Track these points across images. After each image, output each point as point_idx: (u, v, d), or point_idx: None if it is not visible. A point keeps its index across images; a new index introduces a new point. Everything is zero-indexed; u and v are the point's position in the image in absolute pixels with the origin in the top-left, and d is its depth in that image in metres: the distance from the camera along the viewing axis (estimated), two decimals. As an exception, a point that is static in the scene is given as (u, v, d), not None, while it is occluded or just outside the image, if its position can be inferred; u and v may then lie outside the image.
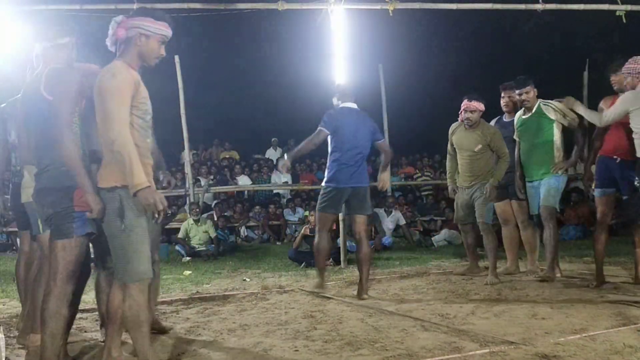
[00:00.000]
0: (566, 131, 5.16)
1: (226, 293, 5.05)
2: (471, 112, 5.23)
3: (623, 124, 4.58)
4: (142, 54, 2.75)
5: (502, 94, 5.56)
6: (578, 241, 8.37)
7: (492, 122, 5.66)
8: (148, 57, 2.77)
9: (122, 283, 2.64)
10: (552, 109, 5.02)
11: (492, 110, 6.05)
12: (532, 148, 5.11)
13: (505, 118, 5.62)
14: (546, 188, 4.99)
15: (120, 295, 2.68)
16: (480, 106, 5.25)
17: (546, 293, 4.53)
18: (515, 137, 5.32)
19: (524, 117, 5.20)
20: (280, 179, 11.56)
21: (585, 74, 10.19)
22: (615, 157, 4.69)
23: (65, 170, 2.72)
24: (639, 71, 4.36)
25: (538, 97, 5.24)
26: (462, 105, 5.30)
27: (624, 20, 6.67)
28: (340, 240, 6.92)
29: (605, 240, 4.77)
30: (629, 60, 4.43)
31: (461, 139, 5.34)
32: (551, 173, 5.02)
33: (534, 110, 5.11)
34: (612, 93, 4.76)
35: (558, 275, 5.17)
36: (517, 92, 5.19)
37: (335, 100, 4.89)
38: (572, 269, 5.81)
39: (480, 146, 5.19)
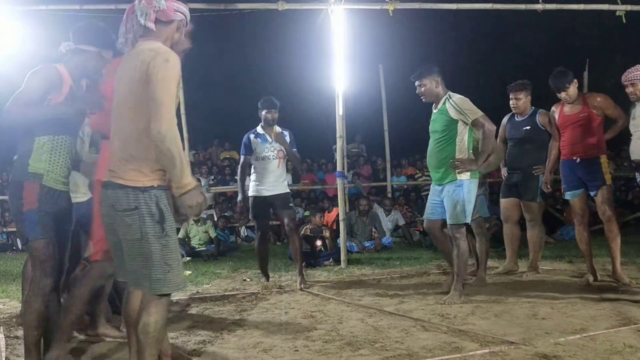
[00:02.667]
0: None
1: (226, 293, 5.05)
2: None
3: (577, 126, 4.76)
4: (176, 42, 2.49)
5: (510, 96, 5.52)
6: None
7: (504, 120, 5.62)
8: (176, 46, 2.49)
9: (152, 294, 2.33)
10: (453, 106, 4.33)
11: (491, 110, 6.04)
12: (435, 148, 4.47)
13: (517, 117, 5.51)
14: (451, 204, 4.31)
15: (140, 302, 2.44)
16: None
17: (546, 293, 4.53)
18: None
19: (433, 111, 4.56)
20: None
21: (585, 74, 10.18)
22: (574, 157, 4.81)
23: (19, 159, 2.81)
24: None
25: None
26: None
27: (624, 20, 6.68)
28: (340, 241, 6.93)
29: (588, 238, 4.88)
30: (631, 70, 4.49)
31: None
32: (452, 176, 4.34)
33: (439, 107, 4.45)
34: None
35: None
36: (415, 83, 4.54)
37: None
38: (572, 269, 5.80)
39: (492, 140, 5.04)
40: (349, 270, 6.33)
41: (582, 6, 6.84)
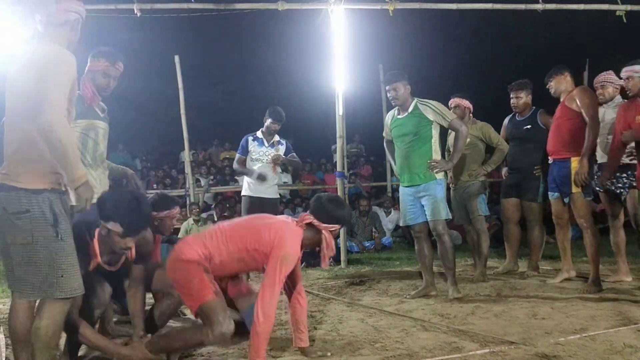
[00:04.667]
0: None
1: (226, 293, 5.04)
2: (455, 107, 5.37)
3: (554, 123, 4.75)
4: (71, 42, 2.48)
5: (510, 95, 5.52)
6: (578, 241, 8.34)
7: (506, 121, 5.66)
8: (71, 45, 2.49)
9: (46, 298, 2.32)
10: (431, 109, 4.47)
11: (491, 110, 6.04)
12: (410, 150, 4.53)
13: (518, 117, 5.52)
14: (432, 201, 4.45)
15: (27, 313, 2.35)
16: (463, 102, 5.41)
17: (546, 293, 4.54)
18: (384, 134, 4.90)
19: (398, 117, 4.63)
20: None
21: (586, 74, 10.18)
22: (550, 157, 4.81)
23: None
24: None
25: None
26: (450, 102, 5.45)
27: (624, 20, 6.68)
28: (340, 240, 6.93)
29: (567, 236, 5.01)
30: (603, 73, 4.55)
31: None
32: (430, 176, 4.46)
33: (409, 110, 4.54)
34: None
35: (434, 293, 4.63)
36: (386, 87, 4.64)
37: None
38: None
39: (467, 140, 4.93)
40: (349, 270, 6.33)
41: (582, 6, 6.84)
